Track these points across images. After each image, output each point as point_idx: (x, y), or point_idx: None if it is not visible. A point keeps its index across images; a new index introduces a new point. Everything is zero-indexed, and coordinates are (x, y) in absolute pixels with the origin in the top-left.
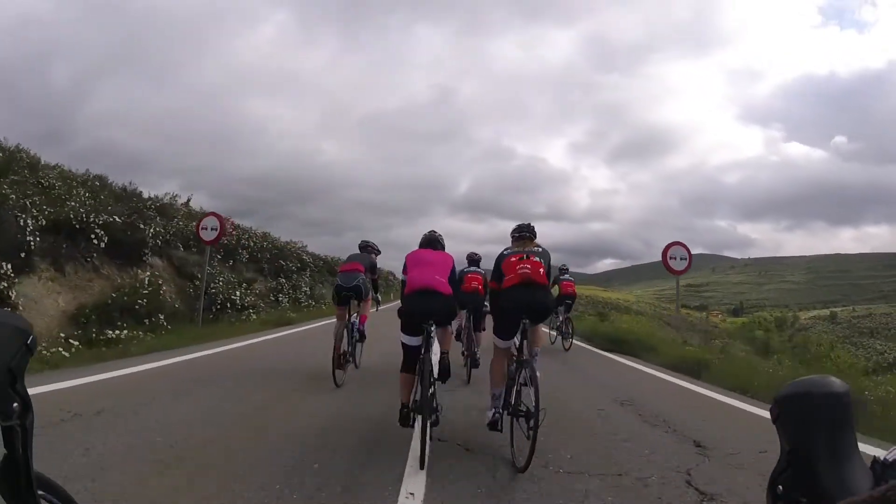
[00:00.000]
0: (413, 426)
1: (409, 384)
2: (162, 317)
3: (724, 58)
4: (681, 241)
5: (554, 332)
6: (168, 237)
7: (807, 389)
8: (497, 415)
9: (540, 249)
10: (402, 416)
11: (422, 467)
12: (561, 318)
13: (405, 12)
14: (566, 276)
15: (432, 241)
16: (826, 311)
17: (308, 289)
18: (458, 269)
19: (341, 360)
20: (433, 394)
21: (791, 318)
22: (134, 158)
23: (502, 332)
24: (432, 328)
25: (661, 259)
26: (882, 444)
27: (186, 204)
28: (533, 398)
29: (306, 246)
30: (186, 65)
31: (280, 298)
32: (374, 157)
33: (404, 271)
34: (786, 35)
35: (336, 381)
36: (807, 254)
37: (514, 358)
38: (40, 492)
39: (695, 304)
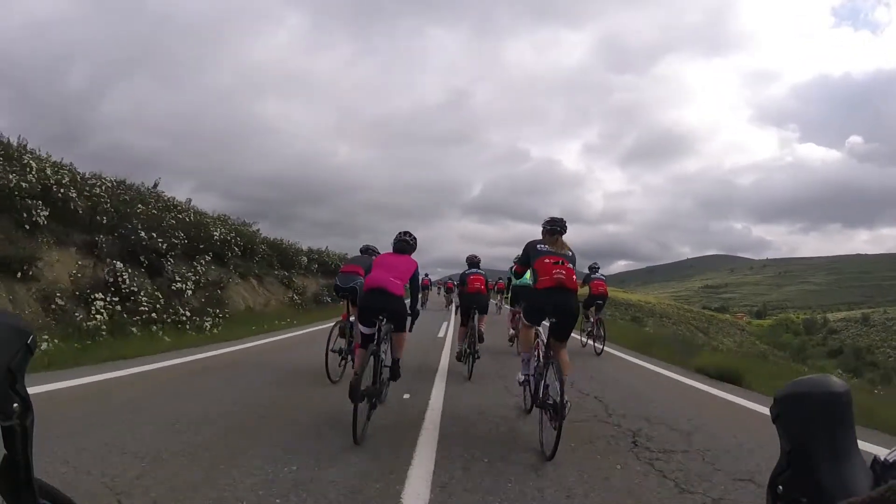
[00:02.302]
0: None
1: (362, 359)
2: None
3: (739, 59)
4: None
5: (585, 338)
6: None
7: (807, 389)
8: (527, 379)
9: (570, 254)
10: (352, 388)
11: (357, 443)
12: (591, 320)
13: (418, 15)
14: (596, 275)
15: (401, 245)
16: (856, 313)
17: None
18: (463, 270)
19: (340, 356)
20: (381, 386)
21: (820, 321)
22: (147, 159)
23: (531, 318)
24: (383, 321)
25: (676, 261)
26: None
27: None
28: (558, 394)
29: (303, 244)
30: (199, 67)
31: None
32: (388, 159)
33: (371, 270)
34: (800, 36)
35: (331, 376)
36: (823, 255)
37: (544, 355)
38: (43, 501)
39: (715, 306)
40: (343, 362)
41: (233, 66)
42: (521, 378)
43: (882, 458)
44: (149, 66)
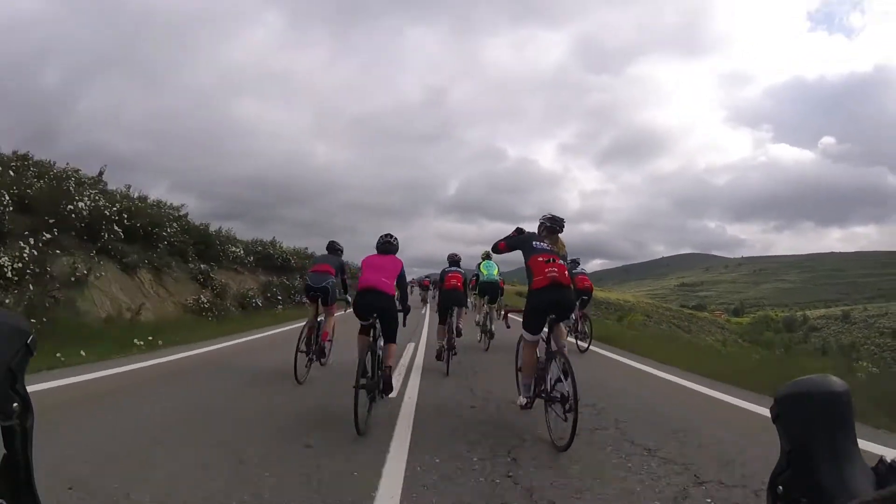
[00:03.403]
0: (360, 364)
1: (363, 344)
2: None
3: (715, 61)
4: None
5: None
6: None
7: (807, 389)
8: (529, 402)
9: (563, 254)
10: (356, 382)
11: (359, 433)
12: (574, 317)
13: (397, 14)
14: (579, 269)
15: (385, 246)
16: (836, 311)
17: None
18: (443, 267)
19: (307, 357)
20: (380, 381)
21: (800, 318)
22: (125, 160)
23: (532, 328)
24: (377, 319)
25: (651, 259)
26: None
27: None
28: (567, 385)
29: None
30: (176, 66)
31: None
32: (366, 158)
33: (360, 272)
34: (775, 39)
35: (298, 377)
36: (797, 253)
37: (546, 349)
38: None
39: (692, 304)
40: (309, 363)
41: (210, 65)
42: (523, 402)
43: (889, 460)
44: (125, 65)
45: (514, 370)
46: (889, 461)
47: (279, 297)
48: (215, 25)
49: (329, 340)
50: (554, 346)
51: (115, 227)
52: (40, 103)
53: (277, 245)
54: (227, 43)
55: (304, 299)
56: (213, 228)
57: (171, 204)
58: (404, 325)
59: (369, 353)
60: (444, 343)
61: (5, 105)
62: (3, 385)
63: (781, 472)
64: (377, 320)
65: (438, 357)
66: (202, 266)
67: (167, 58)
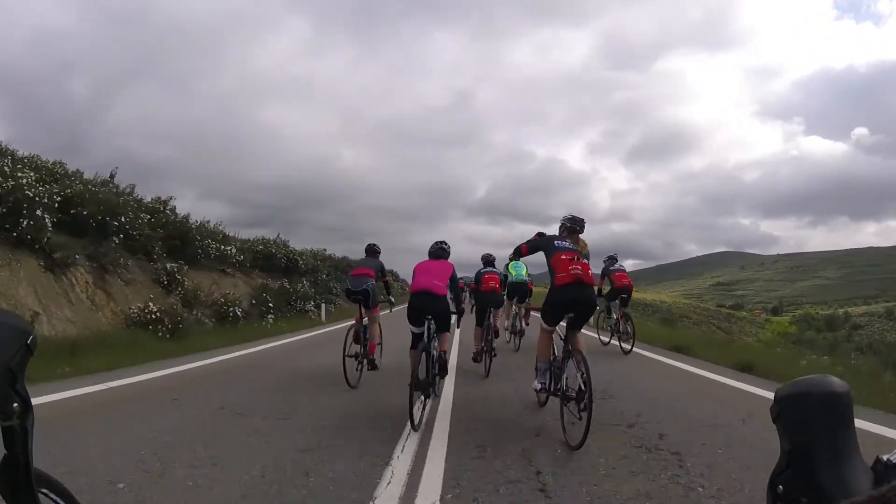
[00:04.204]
0: (414, 363)
1: (415, 358)
2: None
3: (741, 54)
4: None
5: (606, 336)
6: None
7: (807, 389)
8: (543, 387)
9: (586, 252)
10: (411, 383)
11: (415, 430)
12: (615, 316)
13: (421, 18)
14: (617, 265)
15: (437, 252)
16: (878, 307)
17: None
18: (478, 269)
19: (356, 360)
20: (434, 379)
21: (842, 316)
22: (153, 167)
23: (549, 319)
24: (431, 321)
25: (684, 259)
26: None
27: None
28: (582, 384)
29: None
30: (202, 73)
31: None
32: (392, 162)
33: (413, 277)
34: (802, 30)
35: (349, 381)
36: (833, 248)
37: (563, 348)
38: (42, 490)
39: (730, 304)
40: (360, 367)
41: (236, 71)
42: (538, 386)
43: (885, 458)
44: (151, 73)
45: None
46: (885, 459)
47: (270, 305)
48: (239, 33)
49: (378, 344)
50: (570, 346)
51: (42, 214)
52: (67, 113)
53: (282, 244)
54: (252, 50)
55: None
56: (220, 228)
57: (161, 198)
58: (458, 326)
59: (423, 355)
60: (483, 345)
61: (37, 114)
62: (3, 385)
63: (781, 472)
64: (431, 321)
65: (475, 359)
66: (168, 266)
67: (191, 65)
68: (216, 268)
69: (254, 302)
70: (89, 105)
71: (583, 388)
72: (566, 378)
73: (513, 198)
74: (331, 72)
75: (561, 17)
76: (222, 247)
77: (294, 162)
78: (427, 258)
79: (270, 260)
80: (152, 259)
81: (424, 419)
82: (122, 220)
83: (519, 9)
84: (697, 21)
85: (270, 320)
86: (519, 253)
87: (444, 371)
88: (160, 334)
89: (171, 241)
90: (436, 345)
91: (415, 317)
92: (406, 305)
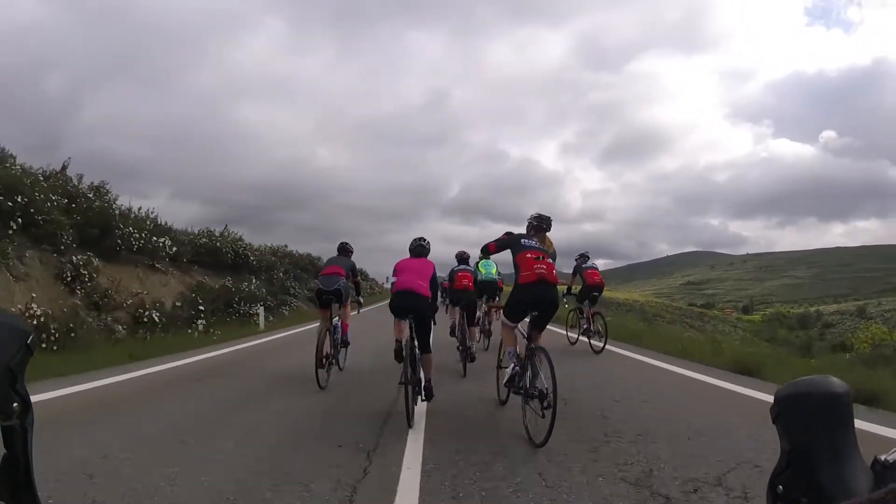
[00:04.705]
0: (405, 362)
1: (398, 326)
2: None
3: (714, 57)
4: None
5: (575, 333)
6: None
7: (807, 389)
8: (515, 367)
9: (552, 252)
10: (396, 351)
11: (410, 426)
12: (586, 315)
13: (398, 18)
14: (588, 263)
15: (418, 249)
16: (849, 306)
17: None
18: (451, 267)
19: (324, 361)
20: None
21: (814, 314)
22: (128, 166)
23: (512, 317)
24: (412, 318)
25: (655, 258)
26: None
27: None
28: (546, 381)
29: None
30: (179, 72)
31: None
32: (369, 162)
33: (394, 275)
34: (774, 35)
35: (320, 382)
36: (802, 248)
37: (526, 346)
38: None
39: (701, 303)
40: (330, 368)
41: (212, 70)
42: (510, 370)
43: (882, 458)
44: (126, 70)
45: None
46: (883, 459)
47: (201, 308)
48: (217, 32)
49: (347, 344)
50: (534, 343)
51: None
52: (40, 110)
53: (230, 237)
54: (228, 48)
55: (315, 306)
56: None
57: (93, 183)
58: (434, 323)
59: (410, 352)
60: (458, 345)
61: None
62: (3, 385)
63: (781, 472)
64: (413, 321)
65: (462, 353)
66: (74, 258)
67: (166, 63)
68: (144, 263)
69: (178, 304)
70: (59, 102)
71: (547, 385)
72: (528, 376)
73: (488, 197)
74: (309, 71)
75: (539, 17)
76: (154, 238)
77: (271, 161)
78: (408, 255)
79: (216, 255)
80: (59, 251)
81: (414, 416)
82: (20, 199)
83: (497, 8)
84: (673, 23)
85: (200, 326)
86: (487, 251)
87: (429, 396)
88: (43, 345)
89: (88, 229)
90: (418, 352)
91: (398, 314)
92: (373, 307)
